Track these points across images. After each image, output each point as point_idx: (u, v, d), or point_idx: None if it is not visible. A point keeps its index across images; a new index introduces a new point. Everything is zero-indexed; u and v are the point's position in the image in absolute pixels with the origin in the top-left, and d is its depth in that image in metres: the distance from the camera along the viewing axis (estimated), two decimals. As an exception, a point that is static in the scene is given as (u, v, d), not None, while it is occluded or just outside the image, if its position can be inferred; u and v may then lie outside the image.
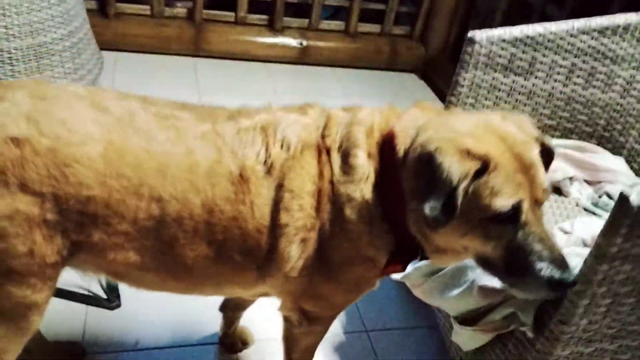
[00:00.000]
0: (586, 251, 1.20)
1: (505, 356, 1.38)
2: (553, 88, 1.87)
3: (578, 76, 1.86)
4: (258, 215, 1.15)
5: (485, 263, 1.15)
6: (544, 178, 1.11)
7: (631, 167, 1.90)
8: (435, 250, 1.18)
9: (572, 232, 1.43)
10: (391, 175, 1.15)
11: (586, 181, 1.81)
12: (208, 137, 1.16)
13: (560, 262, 1.08)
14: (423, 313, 1.99)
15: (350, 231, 1.17)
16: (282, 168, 1.15)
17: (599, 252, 1.13)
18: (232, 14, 3.59)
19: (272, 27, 3.67)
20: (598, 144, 1.95)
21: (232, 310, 1.73)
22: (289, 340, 1.47)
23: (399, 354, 1.90)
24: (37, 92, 1.09)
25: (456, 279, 1.45)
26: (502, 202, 1.05)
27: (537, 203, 1.10)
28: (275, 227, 1.16)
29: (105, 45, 3.18)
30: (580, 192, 1.76)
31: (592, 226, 1.37)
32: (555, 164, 1.77)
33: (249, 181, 1.14)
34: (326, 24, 3.79)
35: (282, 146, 1.17)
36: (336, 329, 1.91)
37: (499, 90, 1.85)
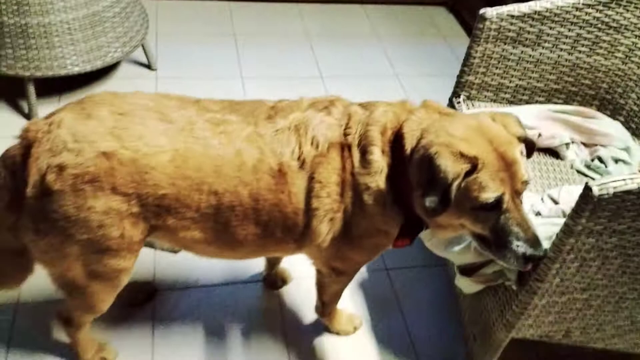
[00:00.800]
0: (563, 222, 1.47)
1: (496, 301, 1.69)
2: (559, 57, 2.04)
3: (583, 45, 2.02)
4: (294, 201, 1.44)
5: (477, 237, 1.44)
6: (524, 172, 1.35)
7: (629, 128, 2.09)
8: (436, 226, 1.46)
9: (558, 201, 1.69)
10: (400, 169, 1.41)
11: (584, 144, 2.02)
12: (252, 138, 1.42)
13: (532, 241, 1.35)
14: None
15: (367, 212, 1.45)
16: (312, 163, 1.42)
17: (567, 229, 1.39)
18: (264, -45, 3.71)
19: (303, -33, 3.78)
20: (600, 106, 2.14)
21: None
22: (321, 286, 1.81)
23: (414, 288, 2.23)
24: (116, 108, 1.37)
25: (458, 237, 1.73)
26: (488, 195, 1.31)
27: (517, 193, 1.36)
28: (308, 210, 1.44)
29: (146, -6, 3.37)
30: (576, 154, 1.98)
31: (575, 196, 1.62)
32: (554, 130, 1.99)
33: (286, 175, 1.42)
34: (355, -39, 3.87)
35: (312, 144, 1.43)
36: (361, 269, 2.24)
37: (508, 60, 2.04)
